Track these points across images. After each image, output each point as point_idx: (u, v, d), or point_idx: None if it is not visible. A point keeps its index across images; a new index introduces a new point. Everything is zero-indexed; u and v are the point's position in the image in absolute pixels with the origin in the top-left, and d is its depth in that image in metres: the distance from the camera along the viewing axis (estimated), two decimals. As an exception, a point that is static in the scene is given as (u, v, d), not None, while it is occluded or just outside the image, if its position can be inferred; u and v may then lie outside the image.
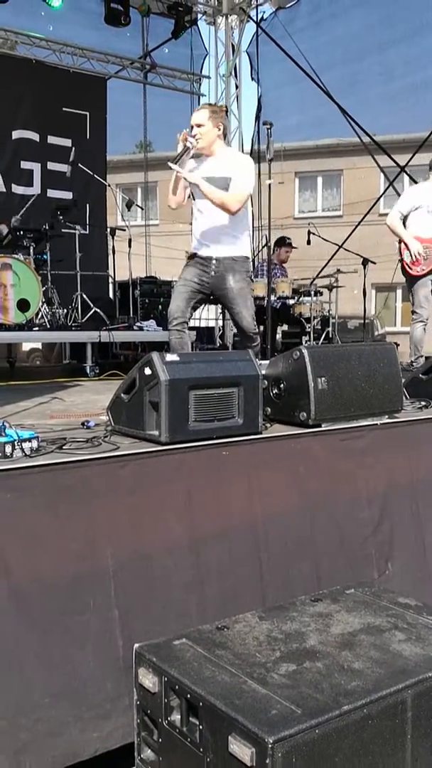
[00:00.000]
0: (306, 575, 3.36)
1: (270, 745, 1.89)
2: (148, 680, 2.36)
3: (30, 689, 2.54)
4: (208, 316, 11.28)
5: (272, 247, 9.11)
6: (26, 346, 9.98)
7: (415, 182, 8.82)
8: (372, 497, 3.68)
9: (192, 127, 4.73)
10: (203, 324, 10.89)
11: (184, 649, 2.40)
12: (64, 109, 10.14)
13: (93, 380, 6.77)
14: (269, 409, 3.70)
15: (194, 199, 4.82)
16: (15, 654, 2.52)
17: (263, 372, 3.54)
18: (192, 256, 4.84)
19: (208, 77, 11.82)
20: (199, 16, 11.43)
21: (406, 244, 6.20)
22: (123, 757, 2.68)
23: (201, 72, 11.83)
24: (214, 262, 4.75)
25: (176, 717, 2.26)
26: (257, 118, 11.67)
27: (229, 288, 4.76)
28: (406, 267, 6.26)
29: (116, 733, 2.70)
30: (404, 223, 6.27)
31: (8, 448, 2.78)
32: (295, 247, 9.42)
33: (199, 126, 4.73)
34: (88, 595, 2.70)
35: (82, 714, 2.64)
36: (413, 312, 6.39)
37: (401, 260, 6.30)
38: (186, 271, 4.85)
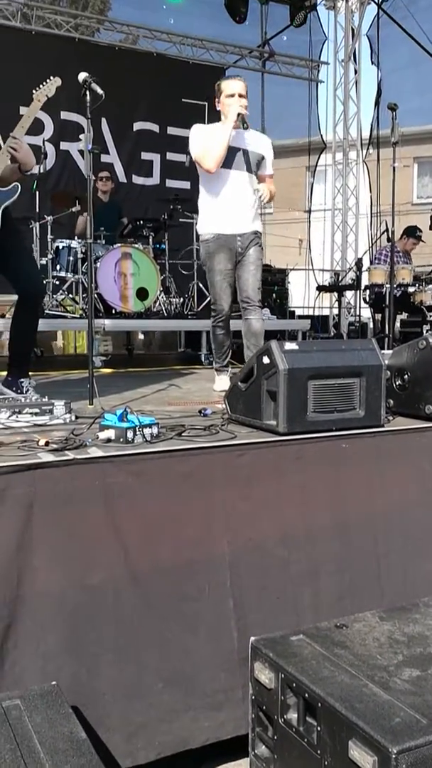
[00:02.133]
0: (429, 574, 3.22)
1: (394, 756, 1.80)
2: (265, 675, 2.32)
3: (144, 673, 2.56)
4: (322, 304, 11.12)
5: (400, 234, 8.83)
6: (140, 335, 10.15)
7: None
8: None
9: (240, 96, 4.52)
10: (317, 312, 10.74)
11: (302, 646, 2.35)
12: (183, 100, 10.18)
13: (208, 368, 6.77)
14: (392, 401, 3.56)
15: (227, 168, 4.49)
16: (132, 636, 2.54)
17: (386, 362, 3.40)
18: (216, 238, 4.52)
19: (327, 63, 11.63)
20: (319, 1, 11.22)
21: None
22: (235, 749, 2.66)
23: (320, 58, 11.63)
24: (239, 238, 4.54)
25: (293, 716, 2.21)
26: (377, 102, 11.37)
27: (250, 256, 4.56)
28: None
29: (228, 724, 2.68)
30: None
31: (130, 434, 2.80)
32: (423, 241, 9.08)
33: (243, 96, 4.54)
34: (203, 581, 2.69)
35: (194, 702, 2.64)
36: None
37: None
38: (217, 259, 4.52)
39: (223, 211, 4.50)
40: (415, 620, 2.52)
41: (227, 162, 4.47)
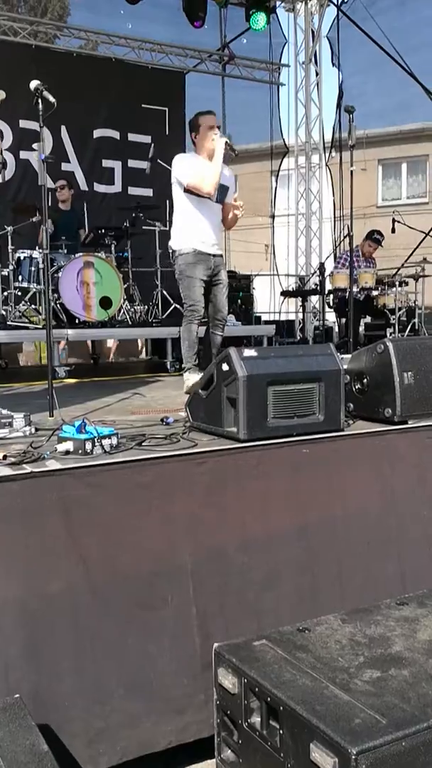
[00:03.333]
0: (390, 576, 3.27)
1: (353, 756, 1.82)
2: (228, 681, 2.33)
3: (106, 680, 2.58)
4: (288, 309, 11.17)
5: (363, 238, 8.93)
6: (110, 343, 10.12)
7: None
8: (461, 496, 3.53)
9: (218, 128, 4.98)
10: (283, 317, 10.79)
11: (264, 651, 2.36)
12: (143, 105, 10.19)
13: (173, 375, 6.79)
14: (351, 405, 3.60)
15: (212, 200, 4.94)
16: (91, 644, 2.56)
17: (345, 366, 3.44)
18: (196, 253, 4.94)
19: (288, 66, 11.64)
20: (278, 3, 11.26)
21: None
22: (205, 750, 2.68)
23: (280, 61, 11.66)
24: (213, 258, 5.02)
25: (256, 719, 2.23)
26: (338, 105, 11.43)
27: (222, 279, 5.11)
28: None
29: (191, 728, 2.72)
30: None
31: (88, 445, 2.80)
32: (380, 245, 9.17)
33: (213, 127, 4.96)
34: (166, 591, 2.71)
35: (157, 707, 2.67)
36: None
37: None
38: (198, 269, 4.93)
39: (203, 232, 4.94)
40: (377, 622, 2.54)
41: (218, 195, 4.87)
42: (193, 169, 4.85)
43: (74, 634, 2.53)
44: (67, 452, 2.79)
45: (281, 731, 2.09)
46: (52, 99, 3.66)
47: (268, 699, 2.14)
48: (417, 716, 1.95)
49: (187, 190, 4.86)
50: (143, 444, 2.99)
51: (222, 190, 4.94)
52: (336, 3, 10.84)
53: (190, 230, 4.94)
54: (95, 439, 2.81)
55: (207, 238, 4.96)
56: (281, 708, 2.08)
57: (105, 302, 6.94)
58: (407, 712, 1.97)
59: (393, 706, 2.00)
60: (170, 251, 5.09)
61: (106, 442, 2.84)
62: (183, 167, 4.88)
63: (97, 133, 9.95)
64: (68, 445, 2.80)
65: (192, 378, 4.79)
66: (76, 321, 6.95)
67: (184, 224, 4.97)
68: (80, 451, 2.77)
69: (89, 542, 2.57)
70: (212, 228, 5.00)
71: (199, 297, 4.93)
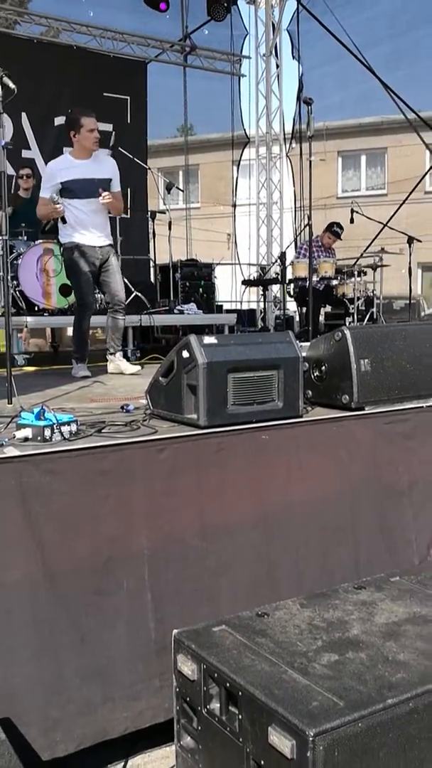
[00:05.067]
0: (345, 561, 3.31)
1: (311, 738, 1.84)
2: (187, 667, 2.33)
3: (62, 669, 2.58)
4: (249, 298, 11.19)
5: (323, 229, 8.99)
6: (69, 331, 10.02)
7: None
8: (415, 482, 3.60)
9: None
10: (244, 306, 10.81)
11: (224, 636, 2.36)
12: (104, 94, 10.11)
13: (134, 364, 6.75)
14: (310, 392, 3.62)
15: (76, 198, 5.32)
16: (48, 634, 2.55)
17: (304, 354, 3.46)
18: (75, 247, 5.35)
19: (249, 57, 11.68)
20: (240, -5, 11.27)
21: None
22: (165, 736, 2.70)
23: (241, 52, 11.68)
24: (98, 249, 5.44)
25: (215, 705, 2.23)
26: (298, 97, 11.49)
27: (112, 265, 5.55)
28: None
29: (146, 713, 2.74)
30: None
31: (47, 432, 2.77)
32: (339, 238, 9.24)
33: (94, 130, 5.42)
34: (121, 576, 2.71)
35: (113, 694, 2.68)
36: None
37: None
38: (81, 262, 5.37)
39: (84, 228, 5.37)
40: (335, 606, 2.56)
41: (79, 192, 5.29)
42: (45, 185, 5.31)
43: (31, 623, 2.51)
44: (26, 439, 2.75)
45: (240, 716, 2.10)
46: (12, 85, 3.60)
47: (228, 684, 2.15)
48: (373, 697, 1.97)
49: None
50: (103, 431, 2.97)
51: (92, 184, 5.28)
52: (296, -3, 10.87)
53: (73, 224, 5.32)
54: (54, 426, 2.78)
55: (88, 230, 5.33)
56: (240, 693, 2.09)
57: (65, 290, 6.87)
58: (364, 693, 1.99)
59: (350, 689, 2.02)
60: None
61: (65, 428, 2.81)
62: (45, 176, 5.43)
63: (59, 120, 9.79)
64: (27, 432, 2.76)
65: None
66: (36, 308, 6.88)
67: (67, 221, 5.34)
68: (39, 438, 2.74)
69: (47, 529, 2.55)
70: (96, 221, 5.37)
71: (91, 288, 5.46)
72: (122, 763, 2.72)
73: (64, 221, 5.31)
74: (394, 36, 10.31)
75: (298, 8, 10.97)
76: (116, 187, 5.55)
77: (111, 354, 5.74)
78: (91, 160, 5.43)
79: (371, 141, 18.77)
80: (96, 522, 2.65)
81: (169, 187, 8.70)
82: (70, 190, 5.30)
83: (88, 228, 5.36)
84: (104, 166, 5.56)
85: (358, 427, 3.42)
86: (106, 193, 5.33)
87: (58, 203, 5.21)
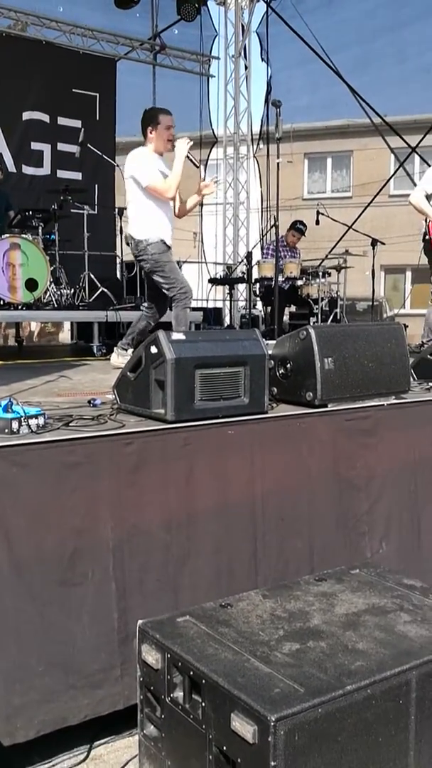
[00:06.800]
0: (299, 551, 3.39)
1: (272, 723, 1.89)
2: (152, 657, 2.36)
3: (26, 657, 2.60)
4: (216, 296, 11.24)
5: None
6: (34, 326, 9.99)
7: (427, 163, 8.73)
8: (371, 477, 3.69)
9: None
10: (211, 305, 10.85)
11: (188, 626, 2.40)
12: (74, 90, 10.08)
13: (100, 360, 6.76)
14: (276, 389, 3.68)
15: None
16: (13, 623, 2.57)
17: (270, 352, 3.52)
18: (162, 242, 5.17)
19: (218, 58, 11.75)
20: (209, -4, 11.31)
21: None
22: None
23: (210, 53, 11.73)
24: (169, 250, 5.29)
25: (179, 694, 2.27)
26: (266, 99, 11.58)
27: None
28: None
29: (106, 701, 2.78)
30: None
31: (15, 424, 2.77)
32: (303, 235, 9.35)
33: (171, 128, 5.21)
34: (86, 567, 2.74)
35: (75, 682, 2.71)
36: None
37: (429, 239, 6.15)
38: (168, 254, 5.22)
39: (164, 225, 5.17)
40: (297, 597, 2.62)
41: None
42: (152, 171, 5.04)
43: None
44: (-7, 431, 2.76)
45: (203, 704, 2.14)
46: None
47: (191, 673, 2.19)
48: (333, 684, 2.03)
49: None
50: (70, 425, 2.98)
51: None
52: (266, 0, 10.94)
53: (154, 222, 5.11)
54: (22, 419, 2.79)
55: (167, 230, 5.16)
56: (203, 681, 2.13)
57: (31, 284, 6.86)
58: (324, 681, 2.05)
59: (310, 676, 2.07)
60: (131, 240, 5.22)
61: (33, 421, 2.82)
62: (142, 168, 5.05)
63: (26, 115, 9.79)
64: (-7, 425, 2.77)
65: None
66: (1, 302, 6.84)
67: (147, 215, 5.11)
68: (6, 431, 2.74)
69: (14, 521, 2.57)
70: (169, 220, 5.21)
71: (185, 279, 5.18)
72: (85, 753, 2.74)
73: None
74: (361, 42, 10.44)
75: (267, 11, 11.06)
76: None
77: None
78: (164, 157, 5.32)
79: (337, 144, 18.97)
80: (63, 514, 2.67)
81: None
82: None
83: (168, 225, 5.24)
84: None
85: (320, 424, 3.49)
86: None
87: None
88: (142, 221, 5.14)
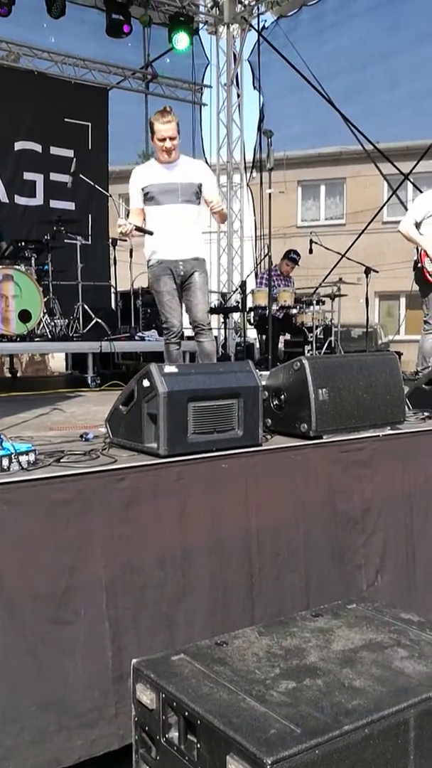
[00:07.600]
0: (295, 586, 3.36)
1: (268, 766, 1.85)
2: (146, 696, 2.33)
3: (18, 697, 2.56)
4: (211, 325, 11.24)
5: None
6: (24, 356, 9.98)
7: (420, 190, 8.79)
8: (367, 509, 3.66)
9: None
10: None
11: (183, 665, 2.37)
12: (65, 119, 10.17)
13: (94, 391, 6.75)
14: (270, 421, 3.67)
15: (157, 204, 4.98)
16: (4, 662, 2.54)
17: (264, 383, 3.51)
18: (157, 263, 4.97)
19: (210, 86, 11.85)
20: (201, 25, 11.45)
21: (425, 251, 6.10)
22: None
23: (202, 81, 11.85)
24: (181, 263, 4.98)
25: (174, 734, 2.23)
26: (259, 127, 11.68)
27: (194, 282, 5.03)
28: (427, 274, 6.16)
29: (100, 741, 2.73)
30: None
31: (5, 462, 2.76)
32: (296, 264, 9.41)
33: (173, 139, 4.95)
34: (79, 605, 2.70)
35: (68, 722, 2.66)
36: (426, 322, 6.31)
37: (421, 267, 6.19)
38: (163, 281, 4.95)
39: (165, 242, 4.93)
40: (293, 633, 2.58)
41: (160, 199, 4.94)
42: (132, 194, 4.98)
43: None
44: (-17, 469, 2.74)
45: (198, 745, 2.10)
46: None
47: (186, 713, 2.15)
48: (330, 724, 1.99)
49: (145, 197, 4.94)
50: (62, 460, 2.96)
51: (183, 189, 4.95)
52: (257, 29, 11.09)
53: (152, 241, 4.96)
54: (12, 456, 2.77)
55: (167, 247, 4.92)
56: (199, 722, 2.09)
57: (24, 315, 6.86)
58: (320, 720, 2.01)
59: (307, 716, 2.04)
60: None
61: (23, 458, 2.80)
62: (129, 191, 5.00)
63: (18, 145, 9.87)
64: (-16, 462, 2.75)
65: None
66: (-6, 335, 6.85)
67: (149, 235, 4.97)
68: (-3, 468, 2.73)
69: (5, 558, 2.54)
70: (175, 231, 4.92)
71: (169, 312, 4.93)
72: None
73: (150, 233, 4.95)
74: (352, 69, 10.56)
75: (259, 40, 11.19)
76: (210, 192, 5.18)
77: None
78: (175, 164, 5.04)
79: (331, 171, 19.17)
80: (54, 551, 2.65)
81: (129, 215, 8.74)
82: (151, 196, 4.99)
83: (168, 242, 4.95)
84: (191, 169, 5.13)
85: (315, 456, 3.48)
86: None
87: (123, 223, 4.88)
88: (147, 240, 5.04)
